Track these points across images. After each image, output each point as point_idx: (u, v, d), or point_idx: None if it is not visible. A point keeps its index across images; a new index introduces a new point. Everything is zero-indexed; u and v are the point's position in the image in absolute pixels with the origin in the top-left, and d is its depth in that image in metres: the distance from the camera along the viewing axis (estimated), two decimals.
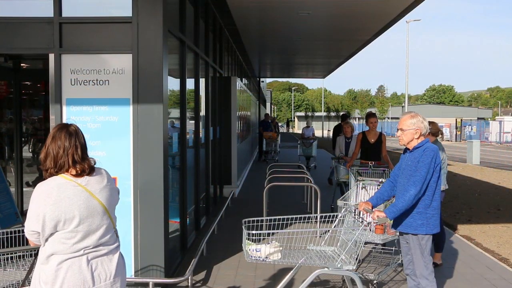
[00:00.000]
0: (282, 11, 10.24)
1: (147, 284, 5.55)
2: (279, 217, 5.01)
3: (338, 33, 13.01)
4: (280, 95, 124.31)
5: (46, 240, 2.96)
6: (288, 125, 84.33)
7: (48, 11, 5.71)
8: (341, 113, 12.24)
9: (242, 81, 17.71)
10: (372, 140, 8.98)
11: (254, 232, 4.70)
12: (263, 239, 4.83)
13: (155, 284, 5.57)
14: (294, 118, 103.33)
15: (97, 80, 5.66)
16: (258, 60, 21.52)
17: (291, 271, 4.82)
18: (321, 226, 7.55)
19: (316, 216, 7.99)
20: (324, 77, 31.12)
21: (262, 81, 37.58)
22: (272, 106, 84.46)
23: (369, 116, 9.13)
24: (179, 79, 7.14)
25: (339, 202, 5.79)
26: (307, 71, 27.50)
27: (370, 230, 5.75)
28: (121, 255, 3.19)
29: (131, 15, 5.62)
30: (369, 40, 13.84)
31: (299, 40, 14.19)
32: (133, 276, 5.59)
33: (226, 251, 7.40)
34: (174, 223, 6.80)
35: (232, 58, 15.79)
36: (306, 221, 5.28)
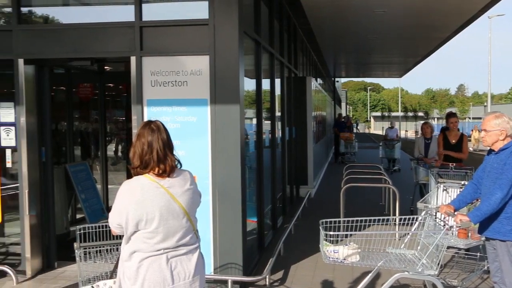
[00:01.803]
0: (357, 9, 10.07)
1: (226, 281, 5.62)
2: (357, 218, 4.90)
3: (415, 31, 12.63)
4: (355, 95, 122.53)
5: (129, 238, 3.03)
6: (356, 125, 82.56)
7: (129, 16, 5.92)
8: (447, 112, 11.20)
9: (317, 81, 17.59)
10: (453, 141, 8.65)
11: (331, 233, 4.63)
12: (341, 240, 4.75)
13: (234, 282, 5.63)
14: (370, 118, 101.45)
15: (175, 81, 5.80)
16: (333, 59, 21.30)
17: (370, 274, 4.70)
18: (400, 228, 7.33)
19: (395, 218, 7.78)
20: (400, 76, 30.36)
21: (337, 81, 37.19)
22: (348, 106, 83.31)
23: (449, 116, 8.81)
24: (255, 80, 7.19)
25: (419, 205, 5.60)
26: (382, 70, 26.93)
27: (453, 234, 5.52)
28: (200, 255, 3.20)
29: (207, 18, 5.71)
30: (448, 38, 13.34)
31: (375, 39, 13.91)
32: (212, 273, 5.68)
33: (303, 251, 7.36)
34: (252, 222, 6.84)
35: (306, 58, 15.72)
36: (384, 223, 5.13)
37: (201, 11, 5.79)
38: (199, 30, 5.75)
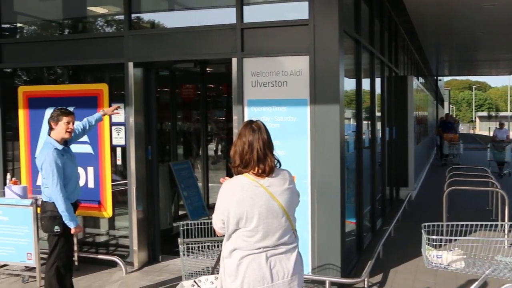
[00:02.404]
0: (462, 4, 9.60)
1: (323, 282, 5.61)
2: (461, 223, 4.69)
3: None
4: (459, 94, 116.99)
5: (230, 236, 3.09)
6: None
7: (231, 19, 6.07)
8: None
9: (418, 80, 17.01)
10: None
11: (435, 237, 4.47)
12: (444, 245, 4.58)
13: (332, 283, 5.60)
14: (474, 118, 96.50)
15: (275, 81, 5.87)
16: (435, 58, 20.49)
17: (476, 282, 4.48)
18: (510, 236, 6.93)
19: (504, 225, 7.35)
20: (510, 73, 28.56)
21: (440, 80, 35.73)
22: (451, 106, 79.81)
23: None
24: (354, 79, 7.10)
25: None
26: (490, 67, 25.45)
27: None
28: (299, 254, 3.19)
29: (307, 18, 5.72)
30: None
31: (482, 35, 13.18)
32: (310, 274, 5.69)
33: (404, 254, 7.16)
34: (350, 224, 6.77)
35: (408, 56, 15.25)
36: (492, 229, 4.87)
37: (301, 12, 5.81)
38: (299, 31, 5.78)
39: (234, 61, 5.99)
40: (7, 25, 7.45)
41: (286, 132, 5.79)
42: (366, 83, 7.89)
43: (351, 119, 7.06)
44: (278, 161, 3.16)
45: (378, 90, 9.22)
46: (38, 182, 6.75)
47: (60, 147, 5.02)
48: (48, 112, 6.71)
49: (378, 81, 9.16)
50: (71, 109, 5.34)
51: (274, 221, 3.04)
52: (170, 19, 6.80)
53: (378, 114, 9.20)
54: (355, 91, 7.12)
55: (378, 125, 9.24)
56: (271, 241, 3.03)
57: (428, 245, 4.54)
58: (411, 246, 7.40)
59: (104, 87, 6.62)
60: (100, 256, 6.76)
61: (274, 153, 3.14)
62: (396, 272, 6.47)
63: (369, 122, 8.34)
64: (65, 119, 5.04)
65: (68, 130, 5.06)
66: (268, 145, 3.10)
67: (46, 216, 5.01)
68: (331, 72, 5.65)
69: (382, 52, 9.39)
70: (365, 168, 7.49)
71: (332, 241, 5.69)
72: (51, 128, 5.07)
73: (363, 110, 7.44)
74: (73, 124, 5.13)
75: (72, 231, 5.00)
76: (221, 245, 3.26)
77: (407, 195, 11.40)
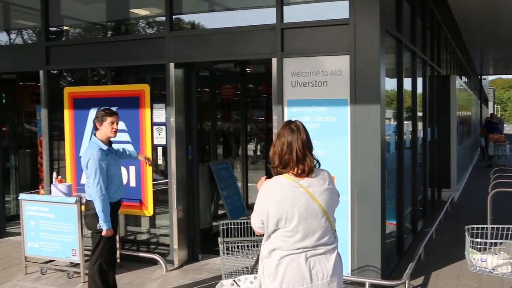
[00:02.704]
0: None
1: (363, 284, 5.56)
2: (507, 226, 4.57)
3: None
4: (504, 94, 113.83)
5: (269, 236, 3.09)
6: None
7: (271, 19, 6.08)
8: None
9: (461, 79, 16.64)
10: None
11: (479, 240, 4.37)
12: (489, 248, 4.47)
13: (371, 285, 5.54)
14: None
15: (315, 81, 5.84)
16: (480, 56, 19.99)
17: None
18: None
19: None
20: None
21: (484, 79, 34.83)
22: (496, 106, 77.72)
23: None
24: (395, 79, 7.01)
25: None
26: None
27: None
28: (338, 255, 3.17)
29: (348, 17, 5.68)
30: None
31: None
32: (349, 275, 5.64)
33: (446, 257, 7.02)
34: (391, 225, 6.68)
35: (450, 55, 14.94)
36: None
37: (341, 11, 5.77)
38: (339, 30, 5.74)
39: (274, 61, 5.99)
40: (54, 29, 7.66)
41: (326, 132, 5.76)
42: (407, 83, 7.77)
43: (392, 119, 6.97)
44: (318, 161, 3.15)
45: (419, 89, 9.07)
46: (82, 181, 6.93)
47: (104, 147, 5.13)
48: (92, 112, 6.89)
49: (419, 80, 9.01)
50: (114, 109, 5.45)
51: (314, 221, 3.02)
52: (210, 20, 6.86)
53: (419, 114, 9.05)
54: (396, 90, 7.02)
55: (420, 125, 9.09)
56: (310, 242, 3.02)
57: (472, 248, 4.45)
58: (453, 249, 7.25)
59: (145, 88, 6.73)
60: (141, 254, 6.88)
61: (314, 153, 3.12)
62: (438, 276, 6.35)
63: (410, 122, 8.22)
64: (109, 119, 5.15)
65: (113, 130, 5.17)
66: (307, 145, 3.09)
67: (89, 214, 5.13)
68: (371, 71, 5.59)
69: (424, 51, 9.24)
70: (405, 168, 7.39)
71: (372, 242, 5.63)
72: (96, 129, 5.19)
73: (404, 110, 7.33)
74: (117, 124, 5.23)
75: (103, 233, 5.07)
76: (260, 245, 3.27)
77: (450, 196, 11.17)
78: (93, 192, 5.00)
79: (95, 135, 5.20)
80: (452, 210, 10.43)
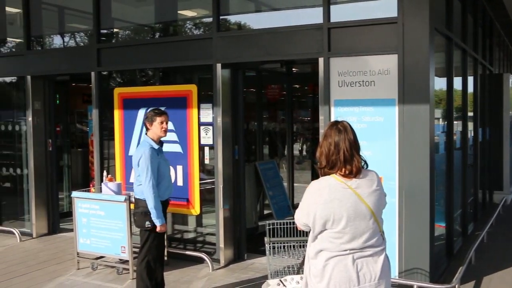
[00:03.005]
0: None
1: (411, 286, 5.45)
2: None
3: None
4: None
5: (316, 236, 3.07)
6: None
7: (317, 18, 6.05)
8: None
9: None
10: None
11: None
12: None
13: None
14: None
15: (363, 81, 5.78)
16: None
17: None
18: None
19: None
20: None
21: None
22: None
23: None
24: (445, 78, 6.85)
25: None
26: None
27: None
28: (386, 257, 3.12)
29: (396, 16, 5.59)
30: None
31: None
32: (397, 277, 5.56)
33: (499, 262, 6.80)
34: (439, 227, 6.53)
35: (504, 53, 14.49)
36: None
37: (389, 10, 5.68)
38: (387, 29, 5.66)
39: (321, 61, 5.96)
40: (105, 31, 7.86)
41: (373, 133, 5.69)
42: (457, 82, 7.59)
43: (441, 119, 6.82)
44: (365, 162, 3.11)
45: (470, 89, 8.83)
46: (131, 179, 7.08)
47: (156, 146, 5.23)
48: (141, 112, 7.04)
49: (470, 79, 8.77)
50: (162, 109, 5.54)
51: (362, 223, 2.99)
52: (257, 20, 6.89)
53: (470, 114, 8.81)
54: (445, 90, 6.86)
55: (470, 126, 8.85)
56: (358, 243, 2.99)
57: None
58: (507, 253, 7.03)
59: (193, 88, 6.82)
60: (188, 252, 6.98)
61: (361, 153, 3.09)
62: (491, 281, 6.17)
63: (461, 122, 8.01)
64: (158, 119, 5.25)
65: (162, 129, 5.27)
66: (354, 145, 3.05)
67: (138, 212, 5.24)
68: (420, 71, 5.49)
69: (476, 49, 8.99)
70: (455, 170, 7.21)
71: (420, 244, 5.53)
72: (147, 129, 5.30)
73: (454, 110, 7.15)
74: (166, 123, 5.33)
75: (158, 229, 5.17)
76: (306, 245, 3.26)
77: (502, 199, 10.83)
78: (145, 189, 5.10)
79: (146, 134, 5.31)
80: (504, 213, 10.11)
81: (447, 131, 6.89)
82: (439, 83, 6.54)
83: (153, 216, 5.10)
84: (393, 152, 5.62)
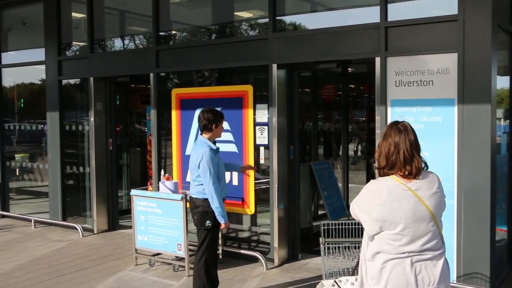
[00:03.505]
0: None
1: None
2: None
3: None
4: None
5: (373, 237, 3.03)
6: None
7: (374, 17, 5.98)
8: None
9: None
10: None
11: None
12: None
13: None
14: None
15: (420, 80, 5.68)
16: None
17: None
18: None
19: None
20: None
21: None
22: None
23: None
24: (508, 77, 6.62)
25: None
26: None
27: None
28: (446, 261, 3.06)
29: (456, 13, 5.45)
30: None
31: None
32: (455, 282, 5.42)
33: None
34: (501, 231, 6.32)
35: None
36: None
37: (448, 7, 5.56)
38: (447, 27, 5.53)
39: (378, 60, 5.89)
40: (163, 33, 8.05)
41: (431, 133, 5.57)
42: None
43: (503, 119, 6.59)
44: (425, 163, 3.05)
45: None
46: (188, 179, 7.22)
47: (214, 147, 5.32)
48: (198, 112, 7.16)
49: None
50: (218, 109, 5.60)
51: (421, 225, 2.94)
52: (313, 21, 6.89)
53: None
54: (508, 89, 6.63)
55: None
56: (416, 246, 2.94)
57: None
58: None
59: (249, 89, 6.88)
60: (242, 251, 7.04)
61: (421, 154, 3.04)
62: None
63: None
64: (223, 122, 5.40)
65: (221, 132, 5.43)
66: (415, 146, 3.00)
67: (199, 211, 5.31)
68: (482, 69, 5.33)
69: None
70: None
71: (480, 248, 5.37)
72: (209, 130, 5.35)
73: None
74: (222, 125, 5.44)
75: (222, 226, 5.32)
76: (361, 246, 3.23)
77: None
78: (208, 189, 5.17)
79: (201, 134, 5.39)
80: None
81: (509, 131, 6.65)
82: (501, 82, 6.33)
83: (218, 214, 5.19)
84: (451, 153, 5.48)
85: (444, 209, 3.09)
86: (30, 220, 9.30)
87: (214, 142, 5.44)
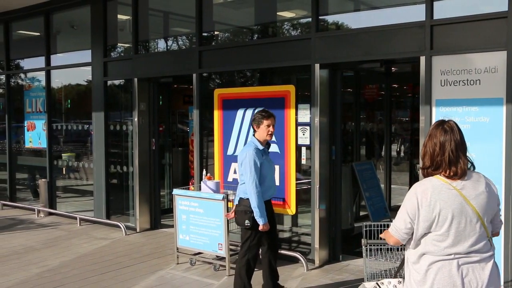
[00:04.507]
0: None
1: None
2: None
3: None
4: None
5: (418, 240, 2.97)
6: None
7: (419, 16, 5.87)
8: None
9: None
10: None
11: None
12: None
13: None
14: None
15: (467, 80, 5.54)
16: None
17: None
18: None
19: None
20: None
21: None
22: None
23: None
24: None
25: None
26: None
27: None
28: (495, 265, 2.97)
29: (506, 10, 5.29)
30: None
31: None
32: (503, 287, 5.27)
33: None
34: None
35: None
36: None
37: (497, 4, 5.40)
38: (495, 24, 5.38)
39: (422, 59, 5.78)
40: (206, 34, 8.13)
41: (477, 134, 5.43)
42: None
43: None
44: (472, 163, 2.99)
45: None
46: (229, 179, 7.27)
47: (261, 147, 5.32)
48: (240, 112, 7.20)
49: None
50: (270, 111, 5.53)
51: (467, 226, 2.87)
52: (356, 20, 6.81)
53: None
54: None
55: None
56: (463, 248, 2.87)
57: None
58: None
59: (291, 89, 6.87)
60: (283, 252, 7.01)
61: (468, 155, 2.96)
62: None
63: None
64: (265, 122, 5.32)
65: (268, 133, 5.34)
66: (461, 146, 2.94)
67: (239, 210, 5.33)
68: None
69: None
70: None
71: None
72: (254, 130, 5.39)
73: None
74: (273, 127, 5.37)
75: (260, 228, 5.23)
76: (404, 248, 3.17)
77: None
78: (248, 188, 5.19)
79: (253, 135, 5.41)
80: None
81: None
82: None
83: (256, 215, 5.17)
84: (499, 154, 5.33)
85: (495, 211, 3.00)
86: (75, 218, 9.54)
87: (268, 145, 5.44)
